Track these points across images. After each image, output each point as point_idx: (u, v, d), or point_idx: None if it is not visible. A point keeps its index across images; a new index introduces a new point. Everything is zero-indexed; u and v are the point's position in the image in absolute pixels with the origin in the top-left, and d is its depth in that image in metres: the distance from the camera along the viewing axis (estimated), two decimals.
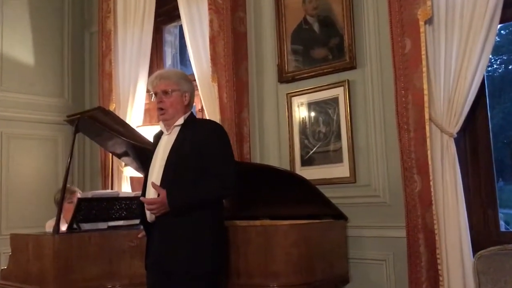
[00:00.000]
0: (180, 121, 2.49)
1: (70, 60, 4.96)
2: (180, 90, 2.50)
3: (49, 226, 3.10)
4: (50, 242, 2.75)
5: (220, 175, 2.35)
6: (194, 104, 4.22)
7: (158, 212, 2.36)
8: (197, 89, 3.87)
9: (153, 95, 2.53)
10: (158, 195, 2.36)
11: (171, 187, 2.34)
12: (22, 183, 4.52)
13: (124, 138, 3.10)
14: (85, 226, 2.98)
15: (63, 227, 3.04)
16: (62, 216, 3.02)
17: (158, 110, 2.51)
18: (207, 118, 3.76)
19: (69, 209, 3.30)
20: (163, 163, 2.42)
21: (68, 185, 3.51)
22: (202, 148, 2.37)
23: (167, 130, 2.52)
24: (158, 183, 2.39)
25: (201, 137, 2.39)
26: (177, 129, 2.49)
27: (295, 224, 2.79)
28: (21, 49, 4.65)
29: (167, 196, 2.31)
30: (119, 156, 3.56)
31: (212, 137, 2.40)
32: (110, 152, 4.05)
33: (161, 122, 2.57)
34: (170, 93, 2.47)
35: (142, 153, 3.11)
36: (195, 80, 3.86)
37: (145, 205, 2.40)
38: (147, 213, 2.46)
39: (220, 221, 2.47)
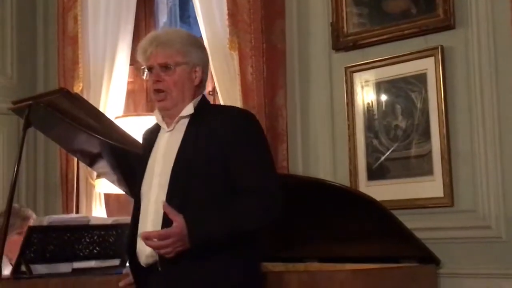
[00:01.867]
0: (189, 110, 2.47)
1: (15, 17, 5.03)
2: (189, 62, 2.47)
3: None
4: None
5: (258, 190, 2.34)
6: None
7: (173, 251, 2.31)
8: None
9: (146, 70, 2.52)
10: (167, 223, 2.30)
11: (189, 212, 2.30)
12: None
13: (99, 137, 3.12)
14: (39, 268, 3.01)
15: (7, 270, 3.08)
16: (5, 253, 3.05)
17: (155, 93, 2.49)
18: (221, 104, 3.78)
19: (18, 243, 3.34)
20: (167, 176, 2.41)
21: (17, 206, 3.55)
22: (225, 150, 2.36)
23: (168, 124, 2.52)
24: (159, 206, 2.37)
25: (223, 133, 2.38)
26: (183, 123, 2.47)
27: (359, 269, 2.78)
28: None
29: (187, 226, 2.28)
30: (90, 163, 3.60)
31: (239, 133, 2.39)
32: (77, 157, 4.09)
33: (157, 112, 2.56)
34: (173, 68, 2.45)
35: (124, 159, 3.14)
36: None
37: (145, 241, 2.32)
38: (142, 253, 2.45)
39: (257, 264, 2.49)
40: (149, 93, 2.60)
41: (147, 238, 2.30)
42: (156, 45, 2.47)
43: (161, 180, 2.41)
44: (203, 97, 2.54)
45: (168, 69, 2.45)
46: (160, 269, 2.39)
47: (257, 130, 2.47)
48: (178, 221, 2.27)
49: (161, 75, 2.45)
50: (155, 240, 2.29)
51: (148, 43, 2.49)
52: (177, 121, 2.48)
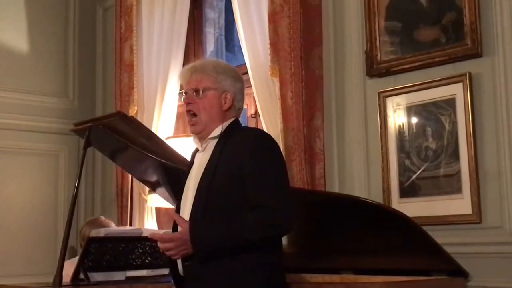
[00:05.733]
0: (216, 132, 2.51)
1: (77, 46, 5.13)
2: (218, 88, 2.52)
3: (67, 274, 3.15)
4: None
5: (264, 207, 2.32)
6: (245, 106, 4.33)
7: (178, 254, 2.37)
8: (250, 86, 3.91)
9: (183, 94, 2.58)
10: None
11: (196, 221, 2.36)
12: (9, 213, 4.66)
13: (152, 155, 3.15)
14: (95, 276, 3.03)
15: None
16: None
17: (187, 115, 2.55)
18: (263, 126, 3.80)
19: None
20: (194, 191, 2.46)
21: (103, 218, 3.77)
22: (240, 169, 2.38)
23: (201, 144, 2.56)
24: (187, 218, 2.41)
25: (239, 153, 2.40)
26: (212, 144, 2.52)
27: (393, 281, 2.75)
28: (11, 31, 4.83)
29: (190, 232, 2.32)
30: (144, 180, 3.64)
31: (252, 153, 2.39)
32: (131, 175, 4.14)
33: (193, 135, 2.61)
34: (203, 93, 2.50)
35: (174, 176, 3.15)
36: (246, 73, 3.90)
37: (159, 244, 2.41)
38: (179, 262, 2.48)
39: (275, 273, 2.45)
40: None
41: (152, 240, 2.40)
42: (191, 73, 2.56)
43: (192, 197, 2.46)
44: (235, 120, 2.57)
45: (199, 93, 2.51)
46: (185, 272, 2.45)
47: (273, 151, 2.46)
48: (183, 227, 2.34)
49: (192, 98, 2.52)
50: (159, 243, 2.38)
51: (186, 71, 2.59)
52: (207, 143, 2.53)
